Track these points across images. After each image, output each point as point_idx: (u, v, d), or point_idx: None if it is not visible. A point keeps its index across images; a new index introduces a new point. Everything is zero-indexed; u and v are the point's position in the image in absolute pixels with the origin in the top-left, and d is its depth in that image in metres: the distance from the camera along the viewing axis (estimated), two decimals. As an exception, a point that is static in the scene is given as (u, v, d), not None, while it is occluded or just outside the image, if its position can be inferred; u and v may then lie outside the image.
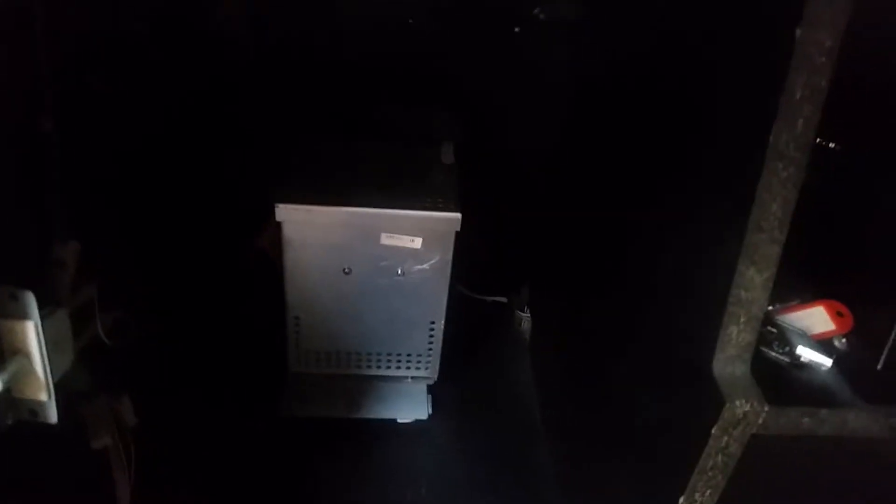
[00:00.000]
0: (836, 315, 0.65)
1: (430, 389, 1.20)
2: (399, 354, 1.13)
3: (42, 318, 0.57)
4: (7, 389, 0.57)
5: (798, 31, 0.48)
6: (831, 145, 0.69)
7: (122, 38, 0.80)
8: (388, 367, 1.15)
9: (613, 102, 0.95)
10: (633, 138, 0.85)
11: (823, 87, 0.49)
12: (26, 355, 0.57)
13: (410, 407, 1.17)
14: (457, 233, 1.01)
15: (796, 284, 0.67)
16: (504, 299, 1.42)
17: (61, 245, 0.62)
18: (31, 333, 0.57)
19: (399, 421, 1.16)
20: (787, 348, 0.63)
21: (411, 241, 1.01)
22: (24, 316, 0.56)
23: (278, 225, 1.00)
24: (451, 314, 1.10)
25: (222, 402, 1.13)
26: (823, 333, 0.65)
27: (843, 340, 0.65)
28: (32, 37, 0.59)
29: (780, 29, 0.49)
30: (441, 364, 1.15)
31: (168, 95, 0.96)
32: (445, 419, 1.18)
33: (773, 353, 0.63)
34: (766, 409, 0.57)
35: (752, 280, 0.55)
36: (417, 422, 1.16)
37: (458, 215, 0.99)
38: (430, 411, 1.17)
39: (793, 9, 0.47)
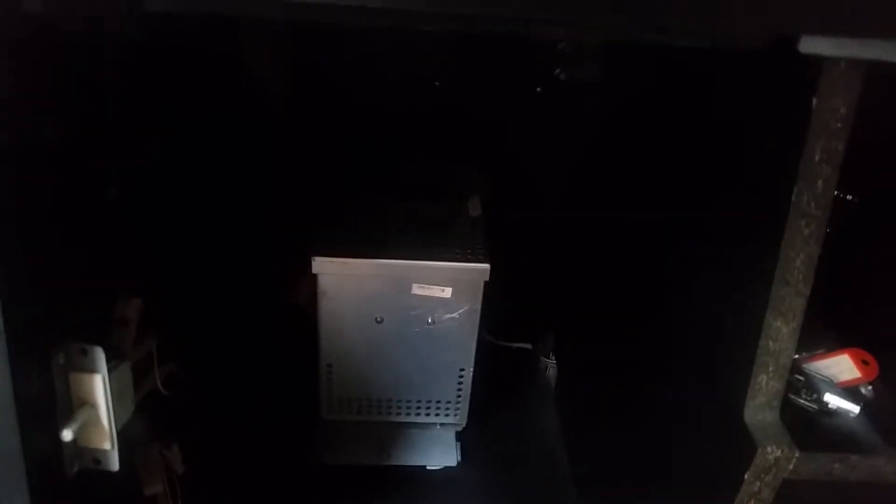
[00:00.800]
0: (862, 363, 0.67)
1: (458, 436, 1.21)
2: (429, 401, 1.15)
3: (108, 371, 0.61)
4: (74, 439, 0.60)
5: (814, 101, 0.52)
6: (849, 197, 0.73)
7: (174, 108, 0.86)
8: (419, 414, 1.17)
9: (634, 156, 0.99)
10: (656, 192, 0.89)
11: (840, 149, 0.53)
12: (93, 406, 0.61)
13: (440, 454, 1.19)
14: (485, 282, 1.04)
15: (822, 333, 0.70)
16: (529, 346, 1.44)
17: (125, 303, 0.67)
18: (99, 386, 0.60)
19: (428, 468, 1.18)
20: (815, 396, 0.65)
21: (441, 290, 1.05)
22: (93, 369, 0.60)
23: (314, 277, 1.04)
24: (477, 361, 1.12)
25: (257, 448, 1.15)
26: (850, 381, 0.67)
27: (870, 387, 0.67)
28: (103, 115, 0.65)
29: (798, 98, 0.53)
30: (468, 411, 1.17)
31: (214, 161, 1.01)
32: (474, 466, 1.19)
33: (802, 401, 0.65)
34: (797, 454, 0.58)
35: (780, 331, 0.58)
36: (447, 468, 1.18)
37: (487, 266, 1.03)
38: (459, 458, 1.19)
39: (809, 79, 0.52)
